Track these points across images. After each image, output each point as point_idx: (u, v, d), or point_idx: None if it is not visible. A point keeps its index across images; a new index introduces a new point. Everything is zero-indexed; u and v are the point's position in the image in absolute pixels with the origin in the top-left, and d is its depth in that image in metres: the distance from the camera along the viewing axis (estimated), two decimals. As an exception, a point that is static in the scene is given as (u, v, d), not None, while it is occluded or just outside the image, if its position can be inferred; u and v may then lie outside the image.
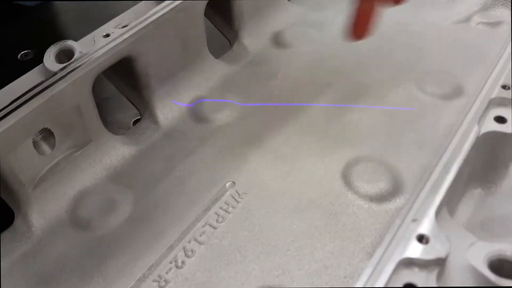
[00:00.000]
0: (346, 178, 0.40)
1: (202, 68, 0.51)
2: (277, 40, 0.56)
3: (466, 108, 0.32)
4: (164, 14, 0.44)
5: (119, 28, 0.43)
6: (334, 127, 0.45)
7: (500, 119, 0.32)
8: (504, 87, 0.33)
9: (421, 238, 0.25)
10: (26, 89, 0.37)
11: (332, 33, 0.56)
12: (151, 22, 0.44)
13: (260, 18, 0.57)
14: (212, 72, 0.52)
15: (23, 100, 0.36)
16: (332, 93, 0.48)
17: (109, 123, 0.48)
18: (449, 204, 0.30)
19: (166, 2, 0.45)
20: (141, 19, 0.43)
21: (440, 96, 0.47)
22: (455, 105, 0.45)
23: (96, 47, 0.40)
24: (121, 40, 0.42)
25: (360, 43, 0.54)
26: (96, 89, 0.43)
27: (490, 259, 0.26)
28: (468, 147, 0.30)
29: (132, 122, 0.51)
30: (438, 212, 0.27)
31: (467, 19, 0.56)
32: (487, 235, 0.31)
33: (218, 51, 0.55)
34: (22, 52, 0.59)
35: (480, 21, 0.56)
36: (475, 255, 0.26)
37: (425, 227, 0.25)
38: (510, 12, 0.55)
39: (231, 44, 0.56)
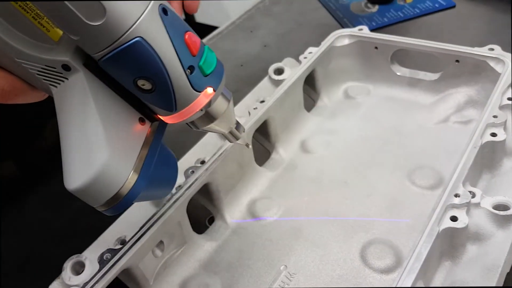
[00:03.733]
0: (363, 257, 0.58)
1: (253, 177, 0.71)
2: (303, 147, 0.76)
3: (430, 213, 0.50)
4: (227, 148, 0.65)
5: (198, 164, 0.64)
6: (351, 216, 0.63)
7: (454, 218, 0.50)
8: (455, 195, 0.52)
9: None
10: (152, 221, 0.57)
11: (344, 137, 0.75)
12: (220, 156, 0.64)
13: (289, 130, 0.77)
14: (260, 179, 0.71)
15: (148, 226, 0.56)
16: (347, 188, 0.67)
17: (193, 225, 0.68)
18: (425, 276, 0.48)
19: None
20: (214, 155, 0.64)
21: (427, 187, 0.65)
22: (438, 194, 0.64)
23: (187, 182, 0.61)
24: (203, 173, 0.62)
25: (362, 145, 0.73)
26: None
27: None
28: (432, 240, 0.48)
29: (206, 220, 0.71)
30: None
31: (446, 119, 0.75)
32: (453, 295, 0.49)
33: (262, 160, 0.75)
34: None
35: (456, 120, 0.74)
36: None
37: (405, 298, 0.44)
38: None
39: (270, 153, 0.76)
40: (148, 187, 0.42)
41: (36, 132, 0.84)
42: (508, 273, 0.50)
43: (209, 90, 0.39)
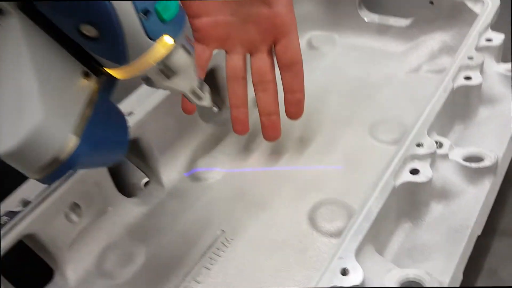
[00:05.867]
0: (312, 220, 0.50)
1: (196, 133, 0.62)
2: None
3: (386, 165, 0.42)
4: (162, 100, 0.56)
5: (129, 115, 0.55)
6: (302, 176, 0.55)
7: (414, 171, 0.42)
8: (418, 145, 0.43)
9: (344, 272, 0.35)
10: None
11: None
12: (153, 108, 0.55)
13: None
14: (205, 135, 0.63)
15: (55, 186, 0.47)
16: (301, 145, 0.59)
17: (124, 187, 0.59)
18: (377, 239, 0.40)
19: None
20: (144, 106, 0.55)
21: (390, 142, 0.56)
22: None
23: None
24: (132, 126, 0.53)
25: (325, 98, 0.65)
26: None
27: (401, 282, 0.36)
28: (385, 196, 0.39)
29: (143, 184, 0.62)
30: (359, 251, 0.36)
31: (417, 69, 0.66)
32: (411, 261, 0.40)
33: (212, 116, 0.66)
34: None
35: (428, 69, 0.66)
36: (390, 279, 0.36)
37: (347, 263, 0.35)
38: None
39: (219, 109, 0.67)
40: (92, 151, 0.36)
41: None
42: (479, 237, 0.42)
43: (167, 39, 0.34)
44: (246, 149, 0.60)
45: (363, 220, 0.38)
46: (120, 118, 0.41)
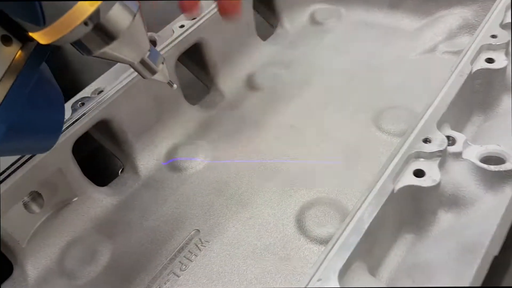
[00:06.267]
0: (300, 222, 0.43)
1: (178, 117, 0.55)
2: (250, 83, 0.60)
3: (385, 164, 0.35)
4: (134, 78, 0.49)
5: (95, 94, 0.48)
6: (292, 171, 0.48)
7: (419, 173, 0.34)
8: (425, 140, 0.36)
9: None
10: (10, 163, 0.42)
11: (301, 72, 0.59)
12: (122, 87, 0.48)
13: (234, 60, 0.61)
14: (188, 120, 0.56)
15: (9, 173, 0.42)
16: (293, 134, 0.52)
17: (99, 174, 0.53)
18: (370, 255, 0.33)
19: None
20: (114, 84, 0.48)
21: (396, 133, 0.49)
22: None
23: (72, 117, 0.46)
24: (95, 106, 0.47)
25: (324, 81, 0.57)
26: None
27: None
28: (381, 203, 0.32)
29: (120, 171, 0.56)
30: (345, 270, 0.30)
31: (433, 49, 0.58)
32: (410, 282, 0.33)
33: (199, 97, 0.59)
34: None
35: (445, 50, 0.57)
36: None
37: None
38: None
39: (208, 89, 0.60)
40: (14, 134, 0.30)
41: None
42: (496, 257, 0.35)
43: None
44: (233, 138, 0.53)
45: (351, 232, 0.31)
46: (54, 94, 0.35)
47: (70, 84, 0.52)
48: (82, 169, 0.49)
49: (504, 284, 0.36)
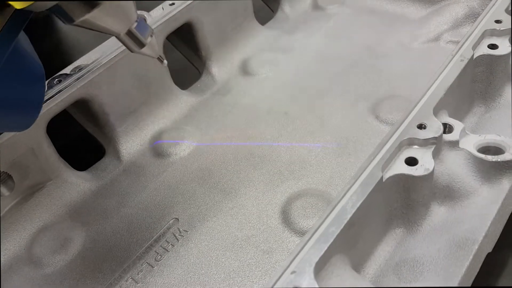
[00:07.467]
0: (285, 214, 0.40)
1: (166, 101, 0.53)
2: (244, 68, 0.57)
3: (374, 150, 0.32)
4: (117, 55, 0.46)
5: (74, 72, 0.45)
6: (281, 159, 0.45)
7: (411, 161, 0.31)
8: (420, 126, 0.33)
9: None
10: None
11: (299, 57, 0.56)
12: (103, 65, 0.46)
13: (228, 43, 0.58)
14: (177, 104, 0.53)
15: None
16: (286, 122, 0.49)
17: (85, 158, 0.50)
18: (354, 249, 0.30)
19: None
20: (96, 61, 0.46)
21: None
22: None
23: (46, 94, 0.43)
24: (73, 84, 0.44)
25: (323, 68, 0.54)
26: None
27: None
28: (368, 191, 0.29)
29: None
30: (323, 264, 0.27)
31: (437, 38, 0.55)
32: (396, 280, 0.31)
33: (190, 81, 0.57)
34: None
35: (450, 40, 0.54)
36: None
37: (301, 281, 0.26)
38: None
39: (200, 73, 0.58)
40: None
41: None
42: (490, 255, 0.32)
43: None
44: (222, 124, 0.50)
45: (332, 223, 0.28)
46: (34, 69, 0.32)
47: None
48: (67, 153, 0.46)
49: (500, 285, 0.33)
